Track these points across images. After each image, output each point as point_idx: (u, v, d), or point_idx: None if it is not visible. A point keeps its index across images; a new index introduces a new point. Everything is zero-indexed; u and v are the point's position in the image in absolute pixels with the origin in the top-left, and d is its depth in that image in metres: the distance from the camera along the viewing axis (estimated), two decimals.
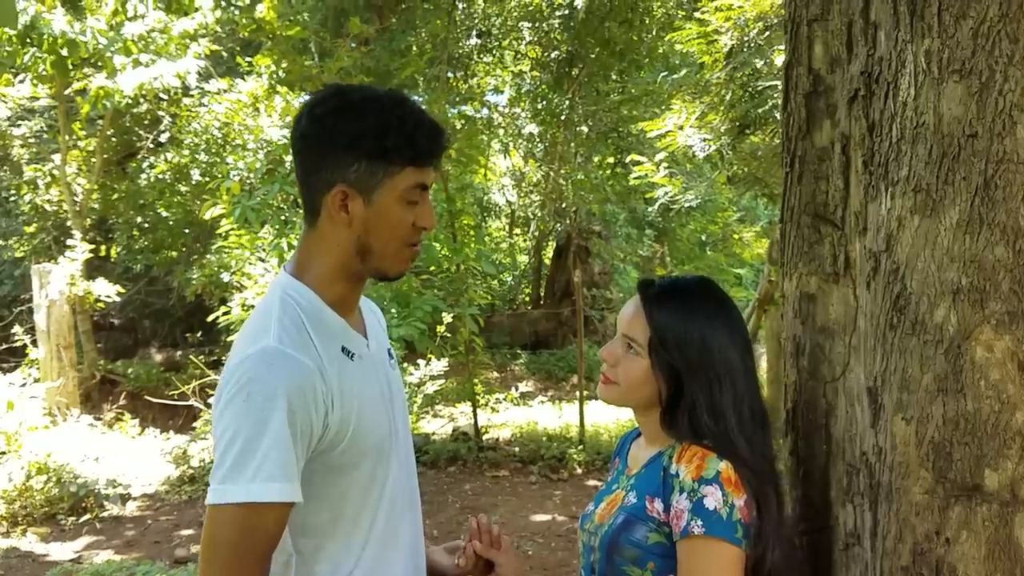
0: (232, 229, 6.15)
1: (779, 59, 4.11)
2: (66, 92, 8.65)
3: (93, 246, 9.09)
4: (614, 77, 9.44)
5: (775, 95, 4.36)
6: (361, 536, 1.29)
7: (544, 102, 10.03)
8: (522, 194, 12.90)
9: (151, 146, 10.29)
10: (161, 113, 9.95)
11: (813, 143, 1.43)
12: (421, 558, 1.42)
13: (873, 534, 1.23)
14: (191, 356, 8.27)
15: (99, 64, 7.61)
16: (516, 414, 8.69)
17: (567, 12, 9.14)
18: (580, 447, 6.94)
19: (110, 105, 7.62)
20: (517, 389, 10.17)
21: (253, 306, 5.55)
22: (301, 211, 1.39)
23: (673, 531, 1.25)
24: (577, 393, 7.98)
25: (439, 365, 7.03)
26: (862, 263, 1.31)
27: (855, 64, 1.31)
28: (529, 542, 5.01)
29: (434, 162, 1.28)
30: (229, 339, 6.13)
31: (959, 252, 1.10)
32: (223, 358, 7.82)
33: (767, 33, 4.34)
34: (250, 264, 6.17)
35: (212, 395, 6.22)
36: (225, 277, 6.75)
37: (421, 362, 7.08)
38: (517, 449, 7.12)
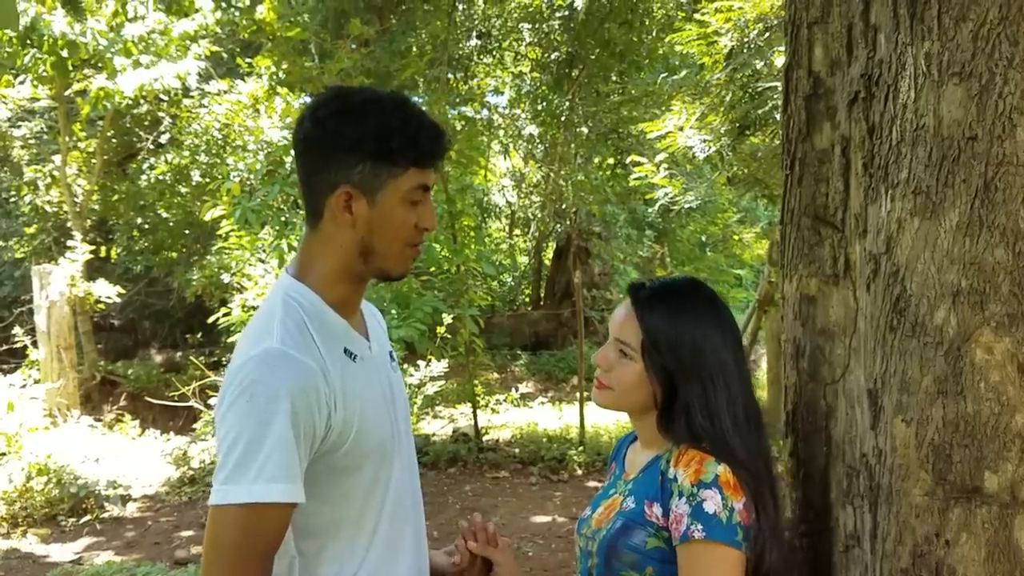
0: (232, 230, 6.16)
1: (779, 60, 4.11)
2: (66, 93, 8.64)
3: (93, 247, 9.08)
4: (614, 78, 9.42)
5: (775, 96, 4.36)
6: (365, 538, 1.29)
7: (544, 103, 10.02)
8: (522, 195, 12.89)
9: (151, 147, 10.29)
10: (161, 114, 9.94)
11: (813, 145, 1.43)
12: (424, 559, 1.42)
13: (873, 536, 1.23)
14: (191, 357, 8.27)
15: (99, 65, 7.61)
16: (516, 415, 8.69)
17: (567, 13, 9.13)
18: (580, 448, 6.93)
19: (110, 106, 7.62)
20: (517, 390, 10.17)
21: (254, 307, 5.55)
22: (302, 212, 1.40)
23: (672, 536, 1.25)
24: (577, 394, 7.99)
25: (439, 366, 7.05)
26: (862, 265, 1.31)
27: (855, 66, 1.31)
28: (529, 543, 5.01)
29: (436, 163, 1.29)
30: (229, 340, 6.14)
31: (959, 254, 1.11)
32: (223, 359, 7.83)
33: (767, 34, 4.34)
34: (250, 265, 6.18)
35: (212, 396, 6.23)
36: (225, 278, 6.76)
37: (421, 363, 7.09)
38: (517, 450, 7.12)
